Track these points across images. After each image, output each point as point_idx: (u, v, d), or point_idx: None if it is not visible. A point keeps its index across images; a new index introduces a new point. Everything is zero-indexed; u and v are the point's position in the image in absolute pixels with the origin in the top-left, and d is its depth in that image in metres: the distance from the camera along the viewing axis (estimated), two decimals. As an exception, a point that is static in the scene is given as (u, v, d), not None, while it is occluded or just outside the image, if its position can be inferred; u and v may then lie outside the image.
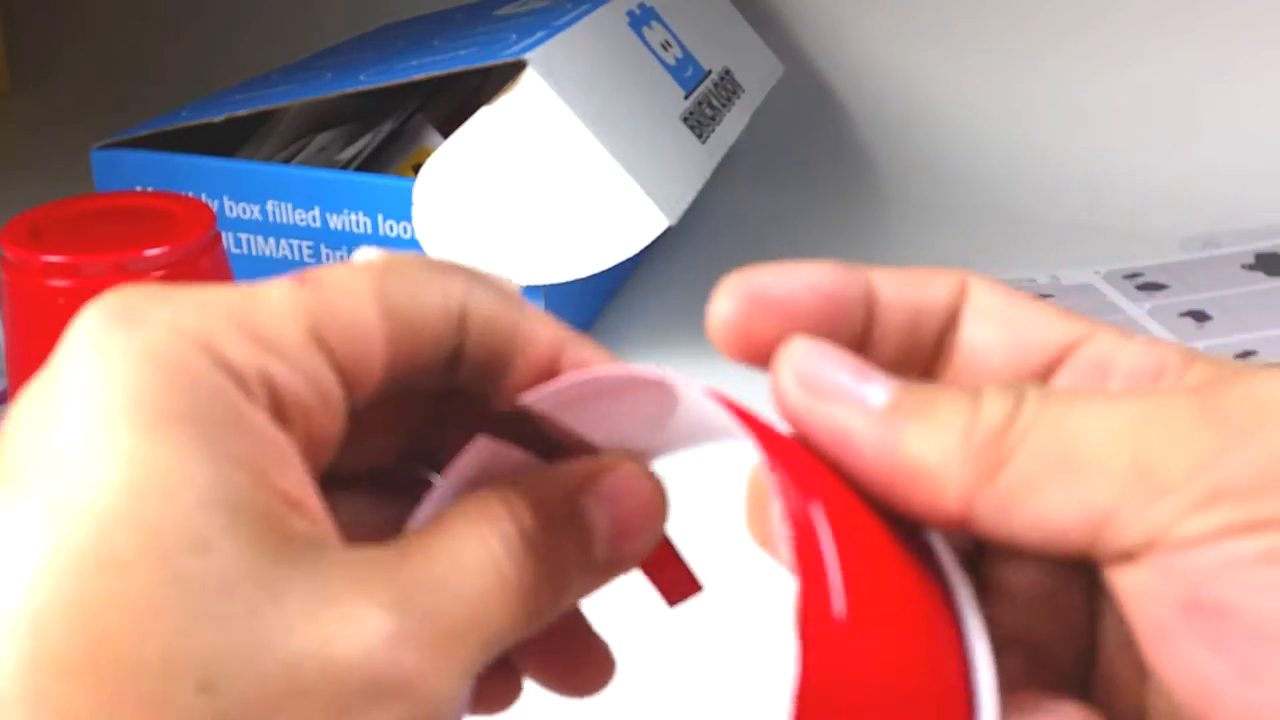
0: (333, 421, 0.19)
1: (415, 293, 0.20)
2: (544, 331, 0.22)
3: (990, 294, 0.23)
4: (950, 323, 0.23)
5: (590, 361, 0.22)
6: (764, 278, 0.22)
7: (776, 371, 0.21)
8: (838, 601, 0.18)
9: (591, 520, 0.21)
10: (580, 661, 0.24)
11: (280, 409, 0.18)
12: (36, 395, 0.18)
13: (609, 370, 0.22)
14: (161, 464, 0.17)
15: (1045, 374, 0.21)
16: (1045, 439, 0.18)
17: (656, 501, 0.22)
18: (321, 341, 0.19)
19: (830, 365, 0.20)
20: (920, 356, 0.23)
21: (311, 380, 0.19)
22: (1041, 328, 0.22)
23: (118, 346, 0.18)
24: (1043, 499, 0.18)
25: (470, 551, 0.19)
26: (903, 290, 0.22)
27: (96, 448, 0.17)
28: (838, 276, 0.22)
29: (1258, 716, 0.17)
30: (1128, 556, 0.18)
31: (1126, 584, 0.18)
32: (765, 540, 0.23)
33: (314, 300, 0.19)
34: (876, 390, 0.20)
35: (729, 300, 0.22)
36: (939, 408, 0.19)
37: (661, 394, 0.22)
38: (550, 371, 0.22)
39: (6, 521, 0.17)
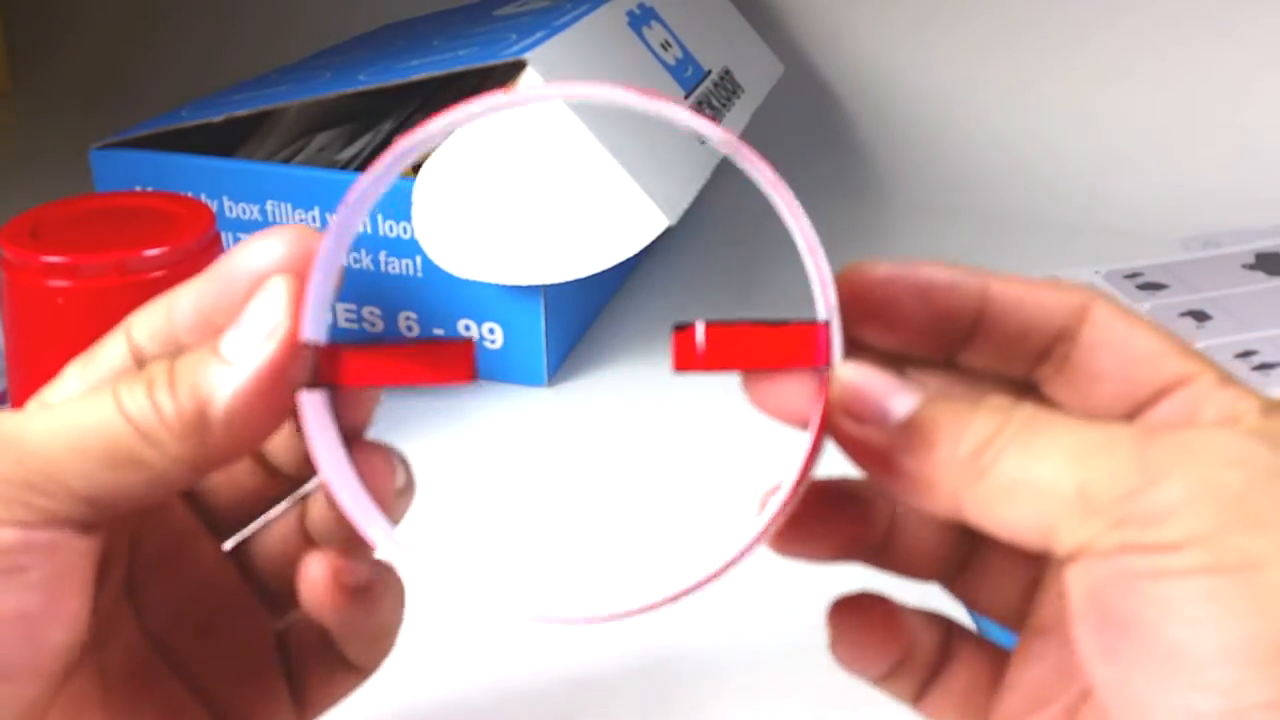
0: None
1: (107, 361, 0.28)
2: None
3: (1112, 324, 0.26)
4: (1065, 340, 0.26)
5: None
6: (879, 272, 0.26)
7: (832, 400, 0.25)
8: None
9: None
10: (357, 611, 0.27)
11: None
12: None
13: None
14: None
15: (1144, 409, 0.25)
16: (1017, 458, 0.23)
17: None
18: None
19: (866, 388, 0.24)
20: (1023, 363, 0.26)
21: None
22: (1151, 367, 0.25)
23: None
24: (1011, 508, 0.23)
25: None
26: (1022, 303, 0.26)
27: None
28: (950, 278, 0.26)
29: (1108, 688, 0.22)
30: (1067, 558, 0.22)
31: (1066, 577, 0.23)
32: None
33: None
34: (902, 401, 0.24)
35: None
36: (941, 424, 0.23)
37: None
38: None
39: None
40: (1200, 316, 0.62)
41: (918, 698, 0.28)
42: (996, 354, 0.26)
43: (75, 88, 0.98)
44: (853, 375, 0.24)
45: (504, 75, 0.54)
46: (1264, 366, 0.57)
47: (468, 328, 0.55)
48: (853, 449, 0.24)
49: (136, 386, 0.24)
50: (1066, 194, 0.77)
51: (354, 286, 0.56)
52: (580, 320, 0.61)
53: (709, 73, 0.67)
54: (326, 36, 0.77)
